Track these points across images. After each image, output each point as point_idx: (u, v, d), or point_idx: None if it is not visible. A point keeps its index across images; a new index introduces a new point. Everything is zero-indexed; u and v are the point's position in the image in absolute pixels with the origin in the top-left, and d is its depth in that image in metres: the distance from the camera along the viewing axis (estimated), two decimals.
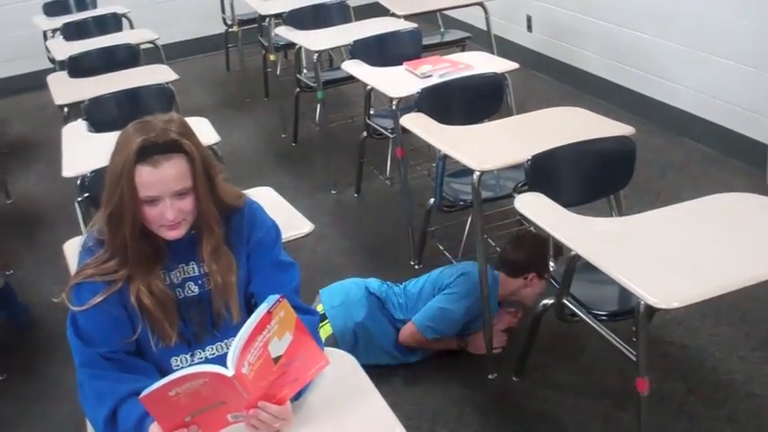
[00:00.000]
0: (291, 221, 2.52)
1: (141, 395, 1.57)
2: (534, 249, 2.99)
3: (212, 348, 1.92)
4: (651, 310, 2.04)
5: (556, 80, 5.89)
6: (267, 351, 1.61)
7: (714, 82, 4.48)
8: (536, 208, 2.50)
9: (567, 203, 2.56)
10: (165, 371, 1.84)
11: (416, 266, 3.73)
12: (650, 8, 4.82)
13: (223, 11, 6.69)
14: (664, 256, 2.16)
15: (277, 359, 1.64)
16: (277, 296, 1.64)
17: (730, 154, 4.44)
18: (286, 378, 1.67)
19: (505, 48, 5.64)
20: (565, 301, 2.54)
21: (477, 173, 2.81)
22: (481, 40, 5.39)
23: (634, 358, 2.14)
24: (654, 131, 4.83)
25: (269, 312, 1.62)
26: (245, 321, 1.62)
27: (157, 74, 4.15)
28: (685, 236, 2.26)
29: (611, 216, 2.91)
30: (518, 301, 3.16)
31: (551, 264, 2.72)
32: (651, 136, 4.78)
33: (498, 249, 3.66)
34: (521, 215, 2.53)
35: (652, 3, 4.81)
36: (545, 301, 2.70)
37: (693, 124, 4.68)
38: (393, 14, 5.04)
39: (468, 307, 3.01)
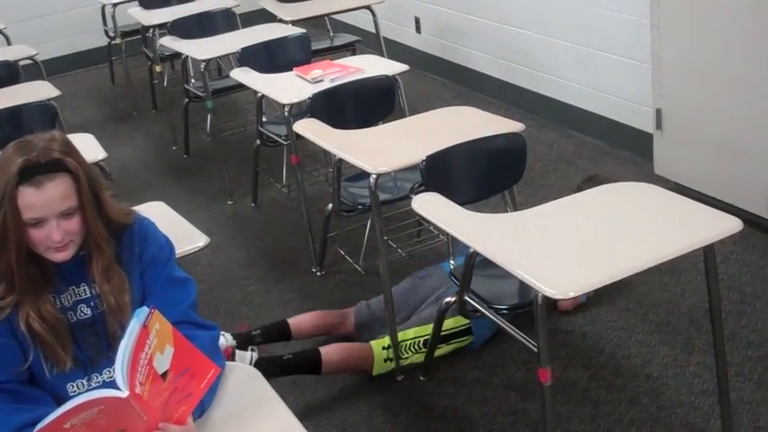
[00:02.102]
0: (186, 235, 2.46)
1: (35, 430, 1.50)
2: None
3: (109, 372, 1.86)
4: (549, 301, 2.07)
5: (447, 80, 5.95)
6: (153, 368, 1.57)
7: (599, 76, 4.61)
8: (433, 208, 2.52)
9: (464, 201, 2.59)
10: (61, 398, 1.77)
11: (318, 273, 3.71)
12: (536, 7, 4.93)
13: (105, 23, 6.49)
14: (558, 247, 2.20)
15: (164, 375, 1.59)
16: (147, 309, 1.60)
17: (618, 145, 4.57)
18: (179, 394, 1.62)
19: (395, 50, 5.68)
20: (466, 298, 2.56)
21: (374, 176, 2.81)
22: (371, 43, 5.41)
23: (535, 349, 2.17)
24: (544, 127, 4.93)
25: (144, 327, 1.57)
26: None
27: (38, 91, 4.01)
28: (578, 226, 2.31)
29: (507, 211, 2.95)
30: None
31: None
32: (542, 131, 4.88)
33: (400, 251, 3.68)
34: (418, 215, 2.54)
35: (538, 2, 4.91)
36: (447, 299, 2.72)
37: (582, 118, 4.80)
38: (280, 20, 5.01)
39: None
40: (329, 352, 2.92)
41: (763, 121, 3.38)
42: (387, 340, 2.97)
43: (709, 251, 2.26)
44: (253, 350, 2.95)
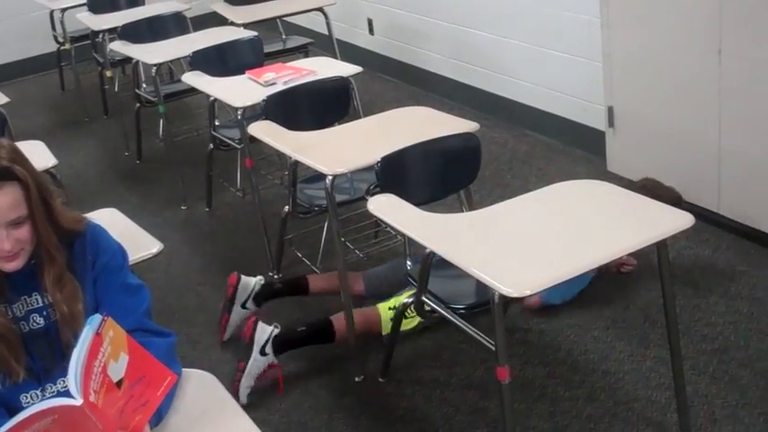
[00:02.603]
0: (140, 242, 2.43)
1: None
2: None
3: (63, 381, 1.83)
4: (506, 300, 2.08)
5: (401, 81, 5.96)
6: (108, 376, 1.54)
7: (552, 75, 4.65)
8: (389, 209, 2.52)
9: (419, 202, 2.60)
10: (14, 409, 1.74)
11: (275, 276, 3.69)
12: (489, 7, 4.95)
13: (54, 28, 6.39)
14: (514, 245, 2.21)
15: (119, 383, 1.57)
16: (100, 316, 1.58)
17: (571, 143, 4.62)
18: (135, 402, 1.59)
19: (349, 52, 5.67)
20: (424, 299, 2.56)
21: (330, 177, 2.80)
22: (324, 45, 5.39)
23: (493, 348, 2.18)
24: (498, 126, 4.96)
25: (98, 334, 1.54)
26: None
27: None
28: (533, 224, 2.33)
29: (462, 211, 2.96)
30: None
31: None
32: (496, 131, 4.91)
33: (357, 252, 3.68)
34: (375, 216, 2.54)
35: (490, 2, 4.94)
36: (405, 300, 2.72)
37: (535, 117, 4.84)
38: (232, 23, 4.98)
39: None
40: (340, 319, 3.02)
41: (713, 117, 3.44)
42: (392, 302, 3.05)
43: (662, 247, 2.29)
44: (276, 327, 3.00)
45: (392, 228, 2.48)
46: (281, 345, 2.97)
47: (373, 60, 5.99)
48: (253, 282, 3.30)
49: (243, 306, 3.27)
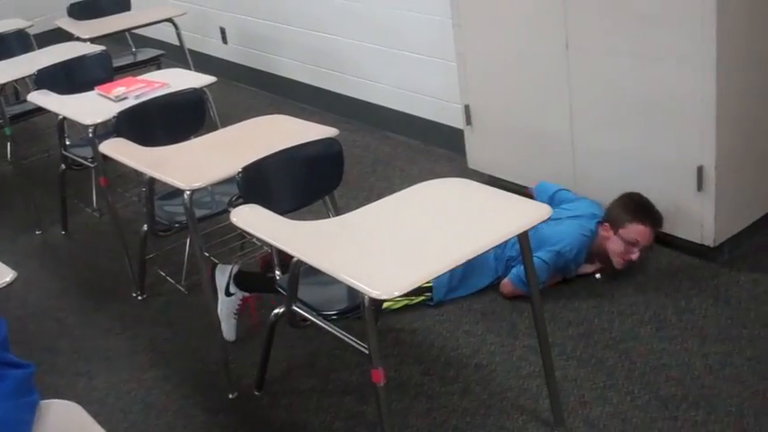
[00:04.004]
0: None
1: None
2: (621, 202, 3.31)
3: None
4: (376, 302, 2.08)
5: (258, 89, 5.90)
6: None
7: (408, 77, 4.70)
8: (253, 219, 2.47)
9: (284, 210, 2.57)
10: None
11: (139, 297, 3.57)
12: (342, 12, 4.96)
13: None
14: (381, 247, 2.21)
15: None
16: None
17: (432, 142, 4.68)
18: None
19: (202, 62, 5.57)
20: (294, 308, 2.53)
21: (188, 192, 2.72)
22: (177, 56, 5.27)
23: (367, 351, 2.17)
24: (359, 130, 4.98)
25: None
26: None
27: None
28: (399, 225, 2.34)
29: (329, 217, 2.95)
30: (604, 254, 3.30)
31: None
32: (357, 134, 4.92)
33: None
34: (239, 228, 2.49)
35: (343, 7, 4.95)
36: (276, 311, 2.68)
37: (395, 119, 4.88)
38: (78, 39, 4.80)
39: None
40: None
41: (564, 110, 3.55)
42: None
43: (523, 238, 2.34)
44: (236, 264, 3.18)
45: (258, 239, 2.44)
46: (243, 282, 3.11)
47: (228, 70, 5.91)
48: (229, 268, 3.24)
49: (227, 293, 3.20)
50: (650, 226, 3.22)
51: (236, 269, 3.18)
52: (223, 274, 3.17)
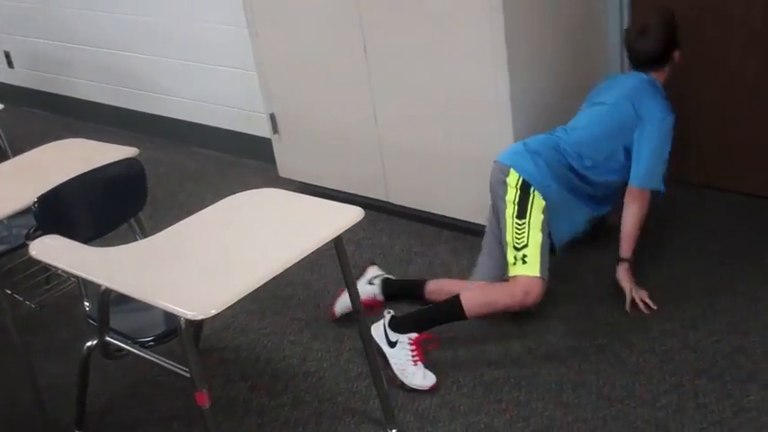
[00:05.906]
0: None
1: None
2: (662, 27, 3.02)
3: None
4: (194, 324, 2.01)
5: (52, 113, 5.62)
6: None
7: (210, 89, 4.62)
8: (53, 250, 2.33)
9: (88, 238, 2.46)
10: None
11: None
12: (136, 28, 4.80)
13: None
14: (195, 266, 2.15)
15: None
16: None
17: (242, 154, 4.62)
18: None
19: None
20: (108, 339, 2.42)
21: None
22: None
23: (188, 375, 2.10)
24: (163, 147, 4.84)
25: None
26: None
27: None
28: (212, 241, 2.28)
29: (137, 240, 2.84)
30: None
31: None
32: (162, 151, 4.78)
33: (29, 303, 3.40)
34: (40, 261, 2.35)
35: (136, 22, 4.79)
36: (88, 344, 2.55)
37: (200, 133, 4.78)
38: None
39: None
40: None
41: (368, 112, 3.59)
42: None
43: (338, 242, 2.34)
44: (388, 312, 2.92)
45: (62, 270, 2.31)
46: (400, 325, 2.87)
47: (16, 95, 5.59)
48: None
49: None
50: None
51: (388, 318, 2.89)
52: (377, 331, 2.85)
